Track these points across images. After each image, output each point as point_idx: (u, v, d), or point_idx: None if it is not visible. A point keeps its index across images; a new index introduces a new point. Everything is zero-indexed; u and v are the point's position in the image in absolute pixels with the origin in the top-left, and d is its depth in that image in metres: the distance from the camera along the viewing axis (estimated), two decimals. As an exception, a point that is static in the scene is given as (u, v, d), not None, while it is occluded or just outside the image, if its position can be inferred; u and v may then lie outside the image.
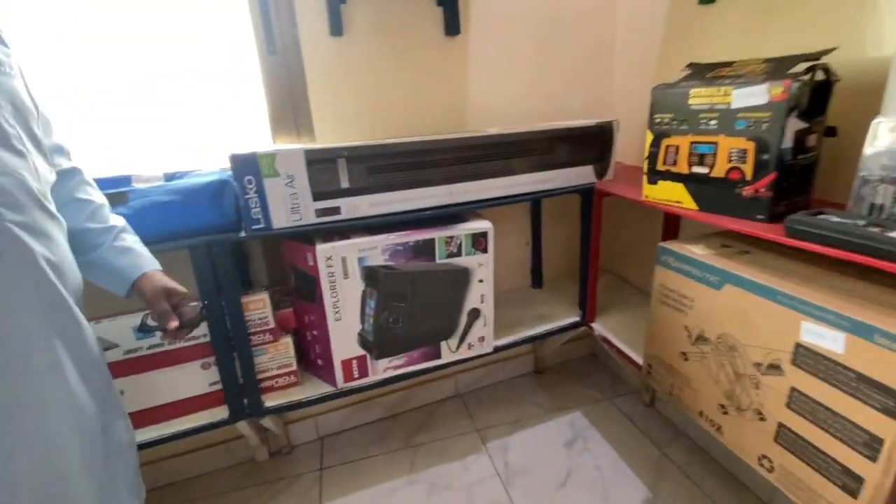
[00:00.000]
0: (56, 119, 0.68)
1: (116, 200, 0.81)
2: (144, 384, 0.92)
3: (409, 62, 1.18)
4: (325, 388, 1.07)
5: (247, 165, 0.86)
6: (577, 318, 1.32)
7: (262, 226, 0.90)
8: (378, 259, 0.99)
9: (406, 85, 1.20)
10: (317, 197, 0.93)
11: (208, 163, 1.02)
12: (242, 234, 0.89)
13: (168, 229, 0.85)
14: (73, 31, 0.97)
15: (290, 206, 0.91)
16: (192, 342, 0.93)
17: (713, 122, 0.83)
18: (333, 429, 1.40)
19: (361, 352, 1.05)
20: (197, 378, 0.96)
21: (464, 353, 1.15)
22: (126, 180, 0.87)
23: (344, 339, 1.02)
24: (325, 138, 1.15)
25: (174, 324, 0.68)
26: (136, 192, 0.84)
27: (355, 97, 1.15)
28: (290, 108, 1.11)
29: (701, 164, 0.87)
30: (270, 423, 1.13)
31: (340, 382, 1.05)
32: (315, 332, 1.04)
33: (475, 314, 1.13)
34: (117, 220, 0.73)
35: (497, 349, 1.20)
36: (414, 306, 1.05)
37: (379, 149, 0.95)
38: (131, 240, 0.73)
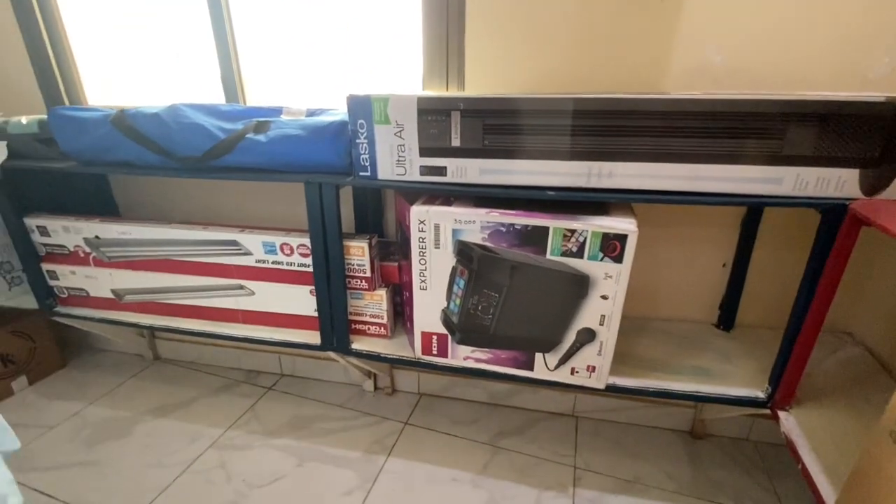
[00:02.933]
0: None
1: (260, 128, 0.91)
2: (267, 291, 1.06)
3: (596, -2, 0.91)
4: (408, 352, 1.03)
5: (361, 108, 0.82)
6: (759, 394, 0.89)
7: (368, 174, 0.87)
8: (475, 236, 0.85)
9: (589, 26, 0.93)
10: (424, 153, 0.83)
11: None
12: (349, 178, 0.88)
13: (293, 161, 0.91)
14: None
15: (396, 158, 0.85)
16: (304, 269, 1.02)
17: None
18: (433, 390, 1.38)
19: (443, 330, 0.95)
20: (306, 301, 1.06)
21: (563, 376, 0.92)
22: (277, 111, 0.97)
23: (427, 310, 0.94)
24: (475, 89, 1.02)
25: None
26: (276, 123, 0.91)
27: (518, 42, 0.97)
28: (443, 54, 1.02)
29: None
30: (361, 364, 1.18)
31: (418, 352, 1.00)
32: (408, 294, 1.00)
33: (588, 336, 0.87)
34: None
35: (612, 389, 0.92)
36: (509, 301, 0.88)
37: (501, 103, 0.77)
38: None
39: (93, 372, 1.50)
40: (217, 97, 1.21)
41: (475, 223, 0.84)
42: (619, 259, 0.79)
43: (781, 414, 0.84)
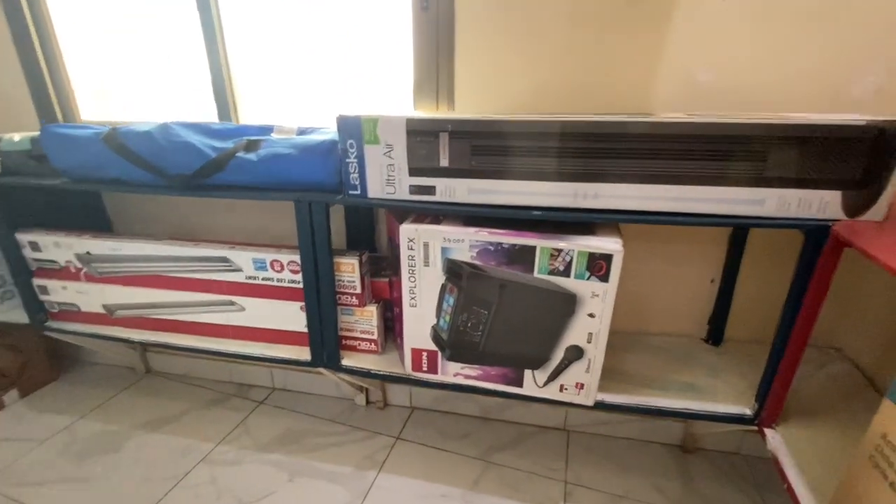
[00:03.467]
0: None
1: (251, 147, 0.92)
2: (257, 306, 1.07)
3: (585, 15, 0.92)
4: (398, 368, 1.03)
5: (351, 128, 0.83)
6: (747, 411, 0.89)
7: (357, 192, 0.88)
8: (464, 254, 0.85)
9: (575, 49, 0.95)
10: (413, 172, 0.84)
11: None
12: (339, 197, 0.89)
13: (283, 180, 0.91)
14: None
15: (386, 177, 0.85)
16: (294, 285, 1.02)
17: None
18: (425, 404, 1.38)
19: (433, 346, 0.96)
20: (296, 316, 1.06)
21: (552, 393, 0.93)
22: (269, 129, 0.98)
23: (417, 327, 0.95)
24: (465, 111, 1.03)
25: None
26: (267, 141, 0.92)
27: (506, 61, 0.98)
28: (434, 75, 1.03)
29: None
30: (352, 379, 1.18)
31: (408, 369, 1.00)
32: (398, 310, 1.00)
33: (576, 353, 0.88)
34: None
35: (600, 405, 0.92)
36: (498, 318, 0.88)
37: (489, 125, 0.78)
38: None
39: (84, 385, 1.50)
40: (210, 113, 1.22)
41: (464, 241, 0.84)
42: (605, 278, 0.80)
43: (768, 432, 0.85)
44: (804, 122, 0.69)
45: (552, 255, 0.81)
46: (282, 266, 1.01)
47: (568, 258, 0.80)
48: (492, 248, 0.83)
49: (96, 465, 1.18)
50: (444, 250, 0.86)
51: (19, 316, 1.23)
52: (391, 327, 1.11)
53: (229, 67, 1.18)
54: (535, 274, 0.83)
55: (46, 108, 1.28)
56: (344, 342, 1.07)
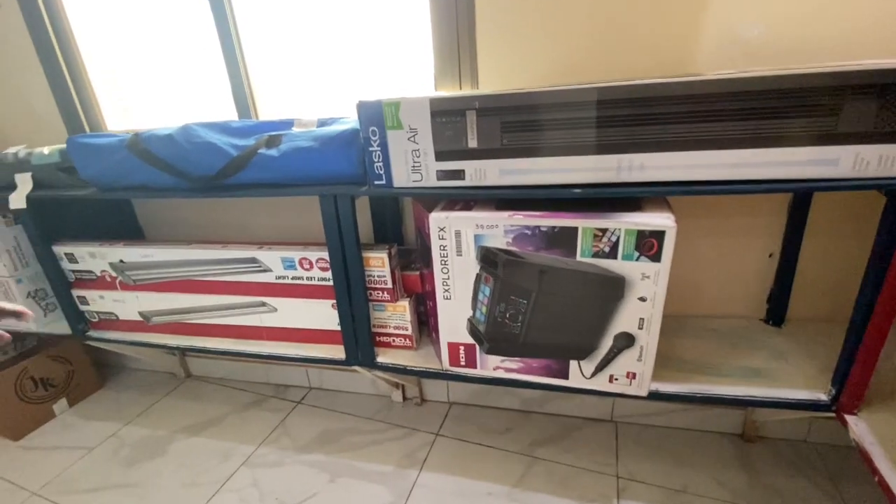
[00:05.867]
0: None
1: (271, 143, 0.89)
2: (289, 306, 1.05)
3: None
4: (434, 364, 0.99)
5: (372, 114, 0.79)
6: (822, 396, 0.81)
7: (383, 182, 0.84)
8: (499, 241, 0.80)
9: (605, 10, 0.87)
10: (440, 156, 0.79)
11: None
12: (364, 188, 0.85)
13: (307, 174, 0.88)
14: None
15: (411, 164, 0.81)
16: (324, 283, 0.99)
17: None
18: (463, 399, 1.34)
19: (471, 340, 0.91)
20: (328, 314, 1.03)
21: (601, 384, 0.87)
22: (289, 123, 0.94)
23: (452, 320, 0.90)
24: (490, 87, 0.97)
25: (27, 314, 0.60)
26: (288, 136, 0.89)
27: (531, 32, 0.92)
28: (455, 55, 0.97)
29: None
30: (387, 376, 1.15)
31: (445, 364, 0.96)
32: (431, 304, 0.96)
33: (626, 341, 0.81)
34: None
35: (655, 396, 0.86)
36: (539, 307, 0.83)
37: (519, 98, 0.72)
38: None
39: (128, 391, 1.53)
40: (230, 112, 1.21)
41: (498, 227, 0.79)
42: (656, 258, 0.73)
43: (850, 419, 0.76)
44: (881, 66, 0.60)
45: (596, 236, 0.74)
46: (311, 264, 0.98)
47: (614, 238, 0.74)
48: (529, 232, 0.78)
49: (143, 470, 1.19)
50: (477, 238, 0.81)
51: (62, 327, 1.25)
52: (425, 321, 1.07)
53: (246, 65, 1.15)
54: (578, 258, 0.77)
55: (74, 122, 1.30)
56: (378, 339, 1.04)
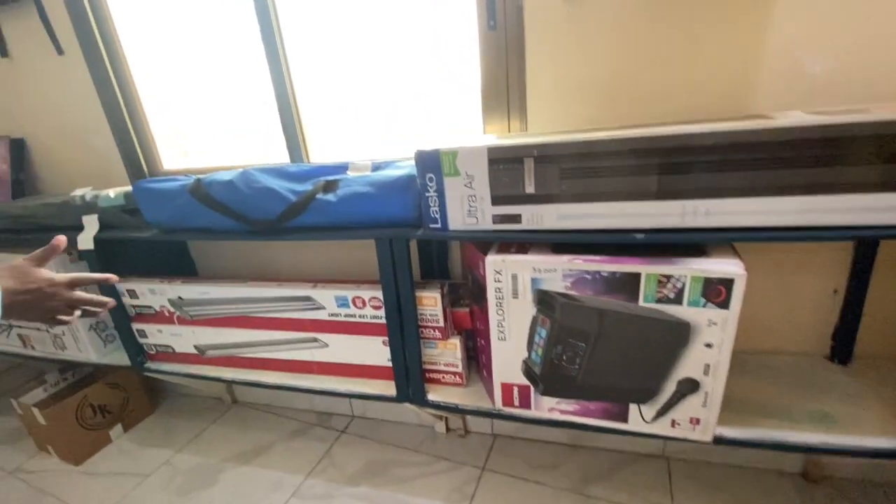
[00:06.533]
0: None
1: (329, 188, 0.91)
2: (341, 342, 1.06)
3: (669, 6, 0.84)
4: (485, 402, 0.99)
5: (429, 162, 0.80)
6: (901, 446, 0.76)
7: (438, 226, 0.85)
8: (557, 284, 0.79)
9: (659, 48, 0.87)
10: (496, 201, 0.80)
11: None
12: (419, 232, 0.86)
13: (363, 218, 0.90)
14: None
15: (467, 209, 0.82)
16: (376, 321, 1.00)
17: None
18: (508, 431, 1.33)
19: (525, 381, 0.90)
20: (379, 351, 1.05)
21: (663, 429, 0.84)
22: (343, 167, 0.97)
23: (507, 361, 0.90)
24: (538, 127, 0.98)
25: (111, 302, 0.67)
26: (344, 180, 0.91)
27: (583, 73, 0.92)
28: (503, 91, 0.98)
29: None
30: (434, 411, 1.15)
31: (498, 404, 0.95)
32: (482, 342, 0.96)
33: (690, 387, 0.79)
34: None
35: (720, 441, 0.83)
36: (598, 350, 0.82)
37: (579, 146, 0.72)
38: None
39: (178, 417, 1.58)
40: (280, 152, 1.24)
41: (556, 271, 0.79)
42: (724, 305, 0.71)
43: (939, 474, 0.72)
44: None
45: (660, 282, 0.73)
46: (363, 302, 1.00)
47: (679, 285, 0.72)
48: (589, 276, 0.77)
49: (197, 500, 1.22)
50: (534, 281, 0.81)
51: (122, 358, 1.31)
52: (473, 357, 1.07)
53: (298, 107, 1.19)
54: (641, 303, 0.76)
55: (133, 162, 1.36)
56: (428, 375, 1.04)
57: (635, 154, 0.70)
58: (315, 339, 1.08)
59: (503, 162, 0.76)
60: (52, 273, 0.64)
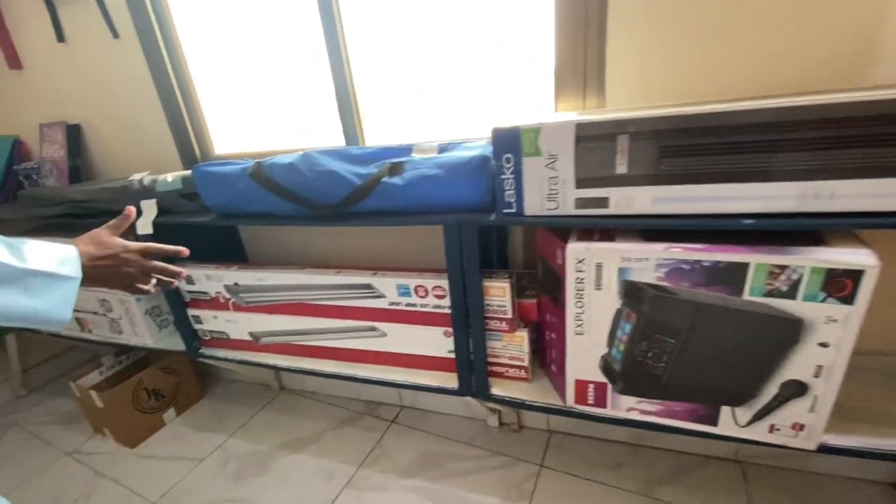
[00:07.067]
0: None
1: (394, 171, 0.86)
2: (400, 332, 1.03)
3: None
4: (553, 399, 0.93)
5: (507, 141, 0.74)
6: None
7: (513, 211, 0.79)
8: (648, 275, 0.73)
9: (763, 10, 0.78)
10: (581, 183, 0.73)
11: (480, 131, 0.97)
12: (492, 217, 0.81)
13: (430, 202, 0.85)
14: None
15: (546, 192, 0.76)
16: (438, 310, 0.96)
17: None
18: (564, 428, 1.28)
19: (602, 378, 0.84)
20: (439, 342, 1.01)
21: (759, 434, 0.77)
22: (408, 149, 0.92)
23: (583, 357, 0.84)
24: (619, 103, 0.90)
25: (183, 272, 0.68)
26: (411, 163, 0.86)
27: (675, 38, 0.83)
28: (580, 64, 0.91)
29: None
30: (498, 406, 1.10)
31: (570, 401, 0.89)
32: (553, 336, 0.90)
33: (796, 389, 0.72)
34: None
35: (825, 449, 0.75)
36: (689, 347, 0.75)
37: (685, 120, 0.65)
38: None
39: (228, 402, 1.59)
40: (334, 135, 1.20)
41: (649, 261, 0.72)
42: (848, 300, 0.63)
43: None
44: None
45: (772, 273, 0.65)
46: (426, 291, 0.95)
47: (795, 276, 0.64)
48: (687, 267, 0.70)
49: (251, 487, 1.22)
50: (621, 271, 0.74)
51: (176, 343, 1.31)
52: (536, 351, 1.02)
53: (355, 87, 1.15)
54: (746, 296, 0.68)
55: (186, 147, 1.35)
56: (491, 369, 0.99)
57: (749, 129, 0.62)
58: (373, 329, 1.05)
59: (593, 140, 0.70)
60: (126, 241, 0.65)
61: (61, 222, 1.28)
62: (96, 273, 0.60)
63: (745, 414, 0.77)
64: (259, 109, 1.32)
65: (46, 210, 1.26)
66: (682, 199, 0.69)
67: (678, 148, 0.66)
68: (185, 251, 0.72)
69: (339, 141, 1.20)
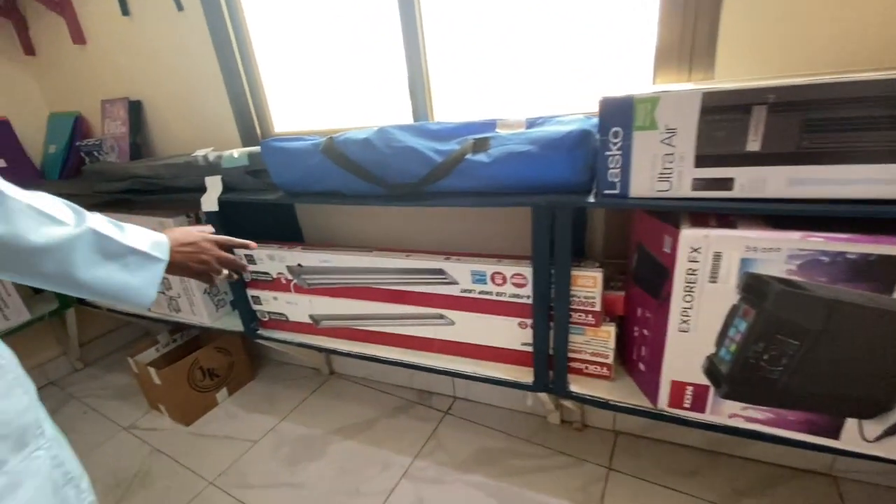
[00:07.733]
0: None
1: (479, 147, 0.80)
2: (470, 321, 0.97)
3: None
4: (640, 400, 0.86)
5: (618, 112, 0.67)
6: None
7: (615, 192, 0.71)
8: (776, 267, 0.65)
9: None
10: (701, 161, 0.65)
11: (570, 106, 0.90)
12: (591, 199, 0.74)
13: (518, 182, 0.79)
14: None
15: (658, 171, 0.68)
16: (515, 300, 0.90)
17: None
18: (632, 429, 1.20)
19: (704, 380, 0.77)
20: (512, 333, 0.95)
21: (888, 451, 0.68)
22: (491, 125, 0.86)
23: (684, 356, 0.76)
24: (730, 74, 0.81)
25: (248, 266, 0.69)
26: (497, 139, 0.80)
27: (801, 6, 0.74)
28: (688, 32, 0.82)
29: None
30: (569, 402, 1.04)
31: (663, 403, 0.82)
32: (646, 332, 0.83)
33: (949, 403, 0.62)
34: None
35: (976, 474, 0.66)
36: (816, 350, 0.66)
37: (839, 89, 0.56)
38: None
39: (278, 385, 1.58)
40: (403, 112, 1.15)
41: (780, 251, 0.64)
42: None
43: None
44: None
45: (939, 270, 0.56)
46: (504, 279, 0.89)
47: (970, 274, 0.55)
48: (826, 259, 0.62)
49: (307, 472, 1.20)
50: (743, 262, 0.66)
51: (233, 323, 1.30)
52: (621, 348, 0.94)
53: (427, 62, 1.08)
54: (895, 294, 0.59)
55: (246, 123, 1.33)
56: (570, 364, 0.93)
57: (928, 99, 0.53)
58: (441, 316, 1.00)
59: (722, 111, 0.62)
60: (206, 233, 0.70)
61: (125, 198, 1.28)
62: (179, 258, 0.63)
63: (875, 428, 0.68)
64: (319, 85, 1.27)
65: (110, 185, 1.26)
66: (824, 182, 0.60)
67: (828, 122, 0.58)
68: (254, 245, 0.76)
69: (406, 118, 1.15)
